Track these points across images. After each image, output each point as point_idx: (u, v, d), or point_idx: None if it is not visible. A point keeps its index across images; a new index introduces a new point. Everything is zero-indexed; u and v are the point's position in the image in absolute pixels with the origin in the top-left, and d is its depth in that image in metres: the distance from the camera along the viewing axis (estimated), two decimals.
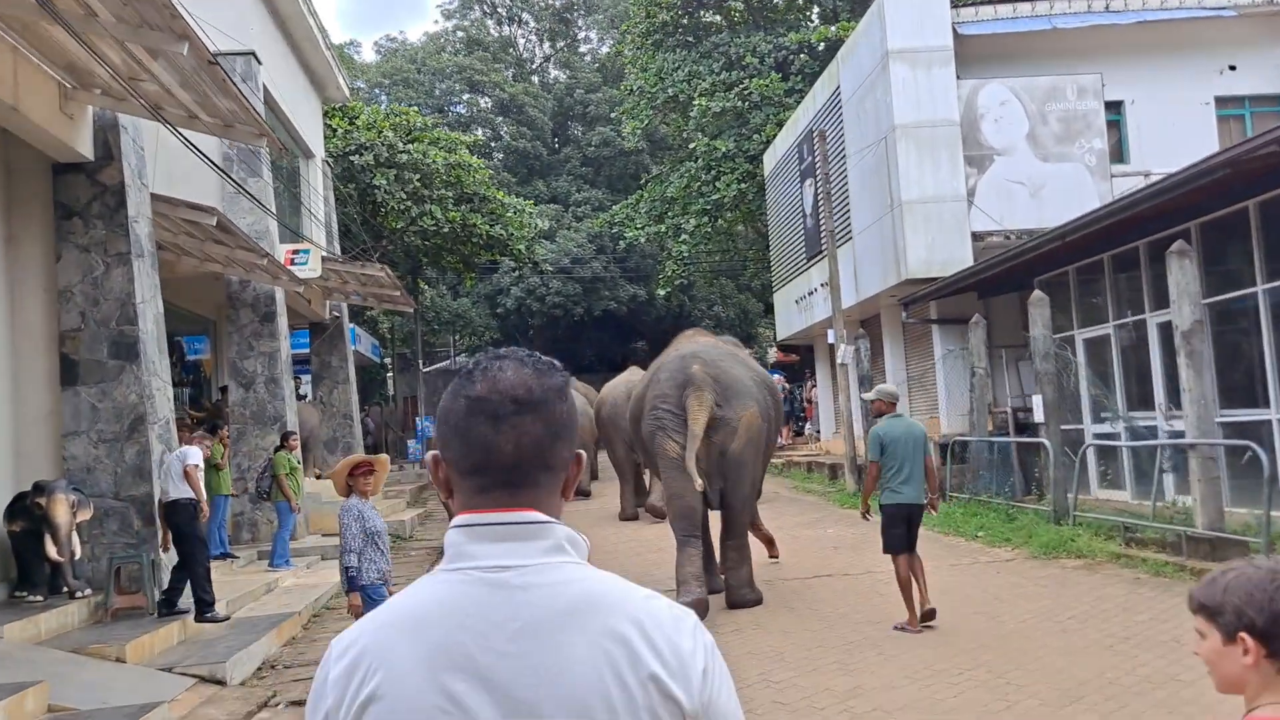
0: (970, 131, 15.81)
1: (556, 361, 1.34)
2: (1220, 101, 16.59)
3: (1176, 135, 16.18)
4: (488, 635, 1.18)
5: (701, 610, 7.74)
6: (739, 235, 31.23)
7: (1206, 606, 1.68)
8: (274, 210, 14.60)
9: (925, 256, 15.65)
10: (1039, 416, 11.00)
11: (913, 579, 7.37)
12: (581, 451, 1.34)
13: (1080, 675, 5.94)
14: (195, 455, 8.68)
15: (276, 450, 11.78)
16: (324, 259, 15.34)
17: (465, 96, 39.82)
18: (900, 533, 7.40)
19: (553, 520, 1.26)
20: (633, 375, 17.01)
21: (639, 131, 29.80)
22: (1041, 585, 8.63)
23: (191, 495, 8.42)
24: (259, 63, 14.54)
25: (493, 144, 39.21)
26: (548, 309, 34.42)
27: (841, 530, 12.83)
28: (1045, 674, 6.03)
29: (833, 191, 16.99)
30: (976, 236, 15.69)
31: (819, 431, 24.74)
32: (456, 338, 40.94)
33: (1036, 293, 11.19)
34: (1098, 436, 12.25)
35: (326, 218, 19.11)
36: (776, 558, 10.57)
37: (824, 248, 19.84)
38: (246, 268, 13.36)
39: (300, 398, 18.78)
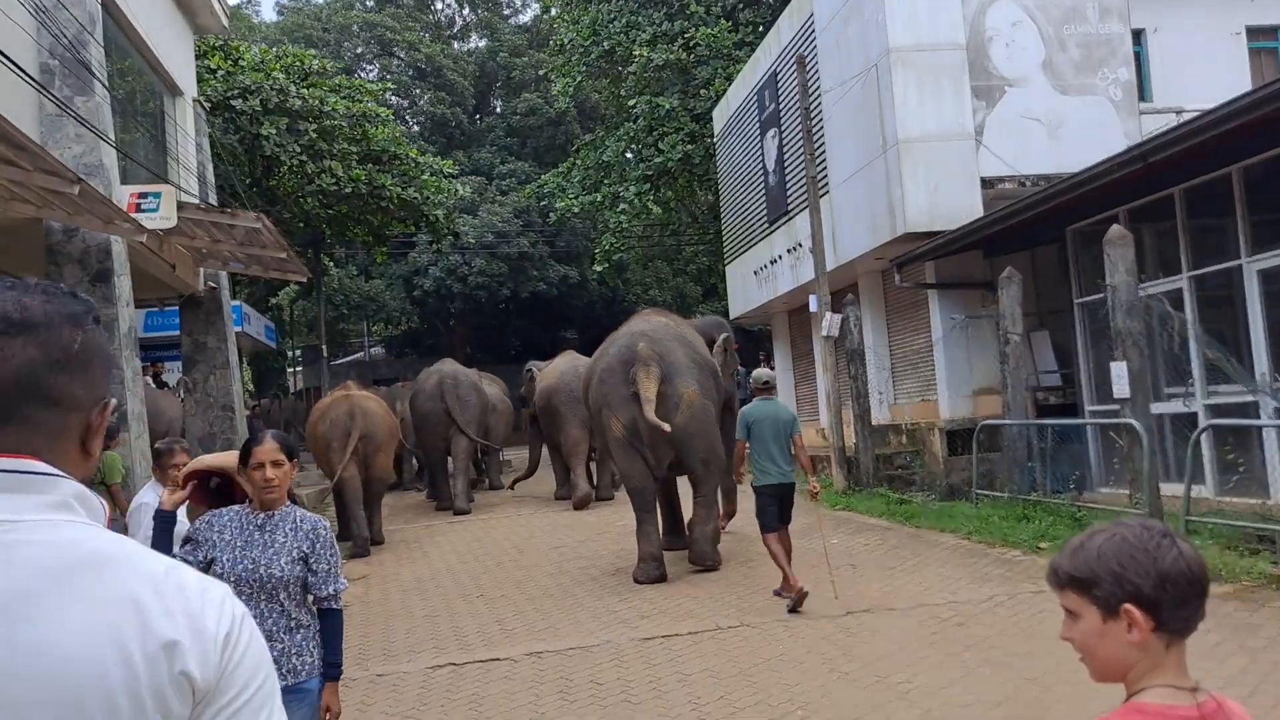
0: (977, 58, 13.25)
1: (83, 294, 1.18)
2: (1251, 33, 14.37)
3: (1204, 69, 13.97)
4: None
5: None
6: (676, 217, 28.52)
7: (1079, 579, 1.44)
8: (110, 137, 11.28)
9: (927, 207, 13.03)
10: (1121, 390, 8.40)
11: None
12: (112, 399, 1.17)
13: None
14: None
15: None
16: (181, 205, 12.05)
17: (377, 60, 36.20)
18: (773, 512, 7.59)
19: (59, 474, 1.09)
20: (575, 360, 15.67)
21: (570, 91, 26.76)
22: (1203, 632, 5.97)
23: None
24: None
25: (408, 111, 35.69)
26: (470, 290, 31.09)
27: (848, 540, 10.10)
28: None
29: (812, 131, 14.26)
30: (986, 183, 13.14)
31: None
32: (369, 323, 37.49)
33: (1115, 228, 8.58)
34: (1170, 418, 9.76)
35: (200, 166, 15.73)
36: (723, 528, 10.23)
37: (789, 208, 17.22)
38: (70, 209, 10.05)
39: (161, 385, 15.40)
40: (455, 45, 39.19)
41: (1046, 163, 13.05)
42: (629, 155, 24.99)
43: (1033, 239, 12.68)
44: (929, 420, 13.60)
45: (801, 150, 16.04)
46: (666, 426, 8.29)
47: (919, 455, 13.00)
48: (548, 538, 11.88)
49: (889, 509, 11.45)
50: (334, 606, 3.46)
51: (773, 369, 22.89)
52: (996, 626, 6.42)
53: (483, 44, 39.19)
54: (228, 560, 3.41)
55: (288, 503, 3.52)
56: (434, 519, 14.76)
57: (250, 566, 3.36)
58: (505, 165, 33.89)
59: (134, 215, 11.14)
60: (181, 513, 4.85)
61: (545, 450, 16.74)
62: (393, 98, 32.95)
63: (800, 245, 16.63)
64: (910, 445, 13.49)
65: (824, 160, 15.25)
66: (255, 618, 3.34)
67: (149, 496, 5.03)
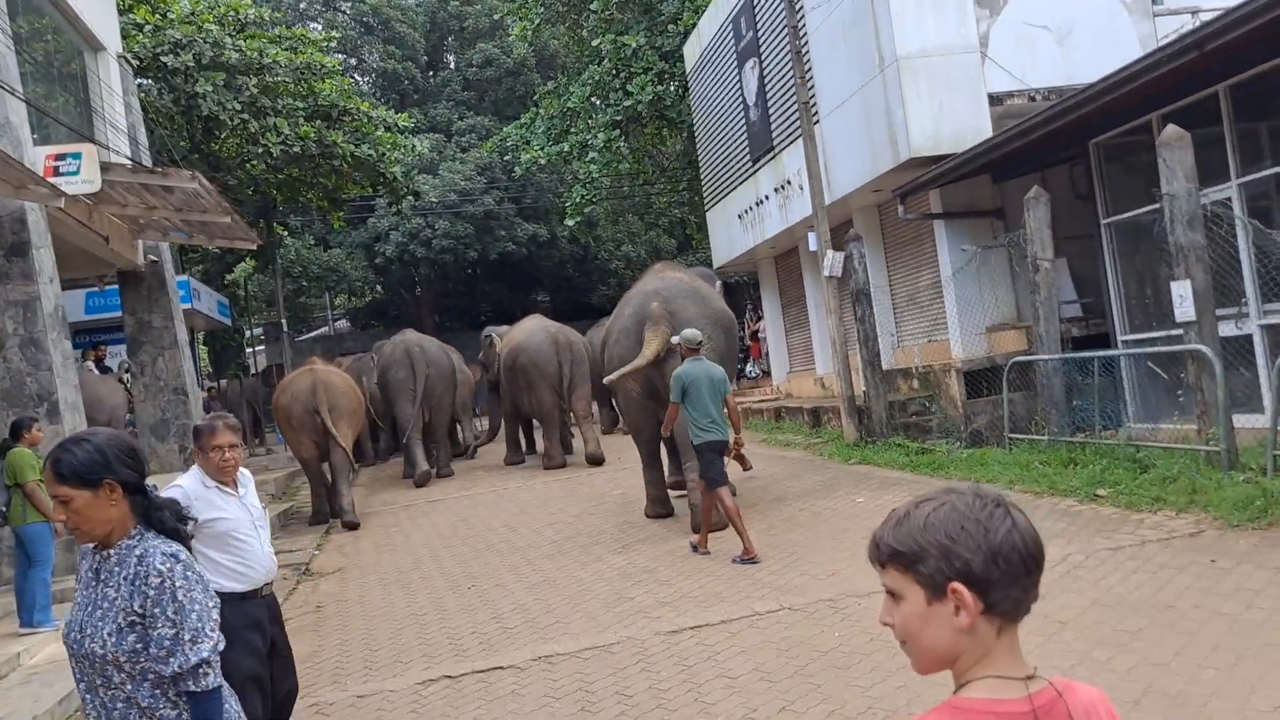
0: None
1: None
2: None
3: None
4: None
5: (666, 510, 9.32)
6: (646, 167, 27.26)
7: (902, 554, 1.26)
8: (18, 90, 9.91)
9: (932, 129, 11.95)
10: (1185, 312, 7.43)
11: (721, 511, 7.51)
12: None
13: None
14: None
15: (8, 448, 7.36)
16: (106, 166, 10.72)
17: (321, 16, 34.33)
18: (722, 466, 7.57)
19: None
20: (543, 323, 15.20)
21: (528, 36, 25.30)
22: None
23: None
24: None
25: (357, 69, 33.94)
26: (435, 254, 29.70)
27: (876, 497, 9.14)
28: None
29: (800, 51, 13.08)
30: (993, 99, 12.08)
31: (768, 371, 21.11)
32: (331, 296, 36.00)
33: (1171, 128, 7.55)
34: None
35: (130, 127, 14.30)
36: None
37: (774, 144, 16.08)
38: None
39: (105, 371, 14.11)
40: None
41: (1056, 74, 12.03)
42: (595, 100, 23.66)
43: (1048, 158, 11.67)
44: (942, 362, 12.63)
45: (785, 79, 14.89)
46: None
47: (935, 400, 12.04)
48: (539, 514, 10.83)
49: (910, 460, 10.50)
50: (191, 688, 2.26)
51: (761, 318, 21.88)
52: (1086, 594, 5.45)
53: None
54: (65, 623, 2.32)
55: (134, 531, 2.29)
56: (413, 498, 13.67)
57: (77, 637, 2.27)
58: (464, 121, 32.35)
59: (51, 179, 9.85)
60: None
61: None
62: (339, 54, 31.21)
63: (789, 183, 15.52)
64: (923, 390, 12.52)
65: (812, 86, 14.08)
66: (97, 709, 2.14)
67: (187, 481, 3.98)
